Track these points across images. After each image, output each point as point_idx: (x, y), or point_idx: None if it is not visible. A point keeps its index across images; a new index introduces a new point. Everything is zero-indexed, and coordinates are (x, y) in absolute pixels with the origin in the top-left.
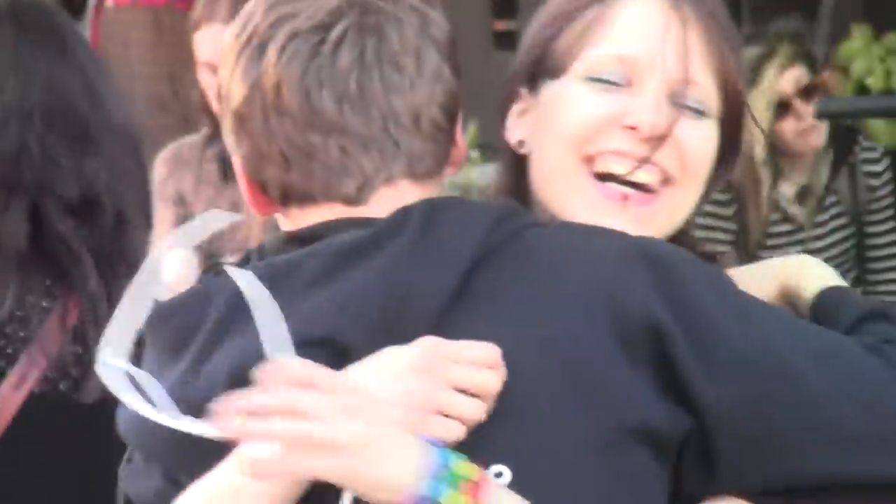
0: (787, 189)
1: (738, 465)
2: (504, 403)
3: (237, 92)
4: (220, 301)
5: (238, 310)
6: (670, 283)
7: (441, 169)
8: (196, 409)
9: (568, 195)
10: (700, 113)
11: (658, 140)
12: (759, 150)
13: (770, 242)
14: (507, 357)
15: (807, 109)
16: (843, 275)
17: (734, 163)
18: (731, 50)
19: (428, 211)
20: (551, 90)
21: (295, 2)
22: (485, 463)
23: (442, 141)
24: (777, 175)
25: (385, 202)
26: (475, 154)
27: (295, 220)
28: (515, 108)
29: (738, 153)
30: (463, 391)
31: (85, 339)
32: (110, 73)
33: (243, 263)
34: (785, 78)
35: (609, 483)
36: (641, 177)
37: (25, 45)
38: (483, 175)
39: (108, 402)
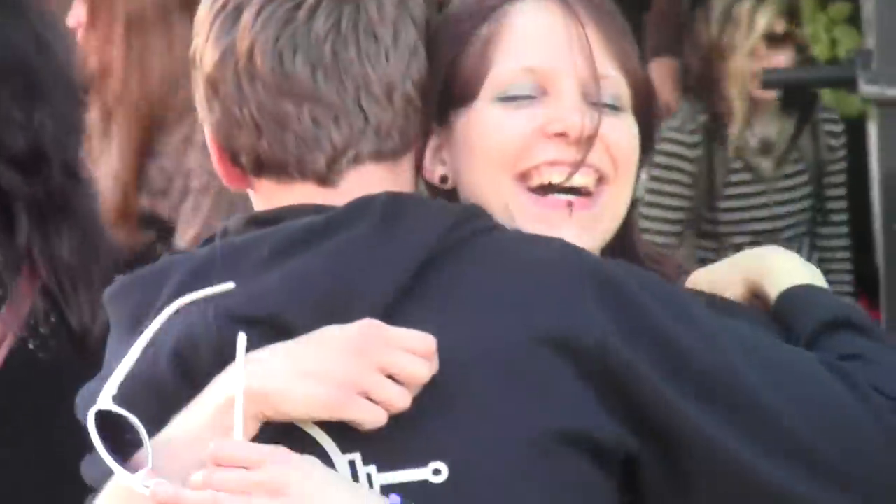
0: (752, 140)
1: (710, 484)
2: (444, 398)
3: (210, 56)
4: (174, 278)
5: (189, 287)
6: (621, 303)
7: (409, 147)
8: (142, 386)
9: (511, 217)
10: (616, 108)
11: (588, 140)
12: (735, 90)
13: (730, 191)
14: (451, 352)
15: (771, 57)
16: (801, 235)
17: (652, 153)
18: (627, 41)
19: (389, 204)
20: (465, 119)
21: None
22: (422, 459)
23: (412, 118)
24: (749, 116)
25: (353, 185)
26: None
27: (267, 197)
28: (430, 146)
29: (655, 143)
30: (393, 378)
31: (52, 296)
32: (62, 25)
33: (208, 242)
34: (759, 22)
35: (552, 485)
36: (579, 180)
37: None
38: None
39: (74, 359)
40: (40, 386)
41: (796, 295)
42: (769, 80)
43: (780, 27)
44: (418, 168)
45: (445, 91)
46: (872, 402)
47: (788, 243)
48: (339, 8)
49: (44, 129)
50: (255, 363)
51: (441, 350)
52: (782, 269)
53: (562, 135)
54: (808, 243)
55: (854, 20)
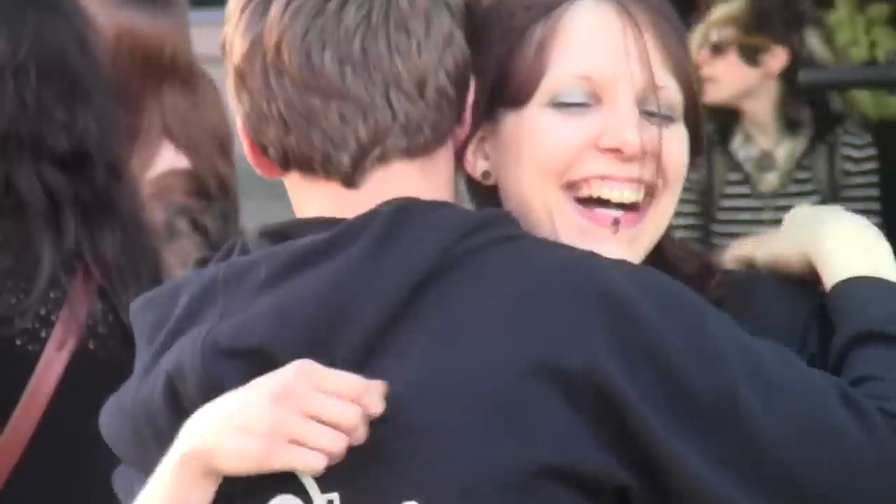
0: (752, 151)
1: None
2: (422, 434)
3: (239, 47)
4: (183, 299)
5: (194, 310)
6: (623, 323)
7: (442, 141)
8: (140, 407)
9: (554, 226)
10: (670, 119)
11: (645, 158)
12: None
13: (727, 204)
14: (432, 383)
15: (709, 63)
16: None
17: (700, 162)
18: (682, 47)
19: (392, 217)
20: (516, 119)
21: None
22: (397, 499)
23: (446, 110)
24: (732, 124)
25: (378, 186)
26: None
27: (295, 190)
28: (475, 139)
29: (703, 151)
30: (323, 422)
31: (107, 297)
32: (94, 24)
33: (224, 256)
34: (701, 32)
35: None
36: (629, 196)
37: (13, 1)
38: None
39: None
40: (102, 386)
41: (844, 294)
42: (807, 80)
43: (719, 36)
44: (459, 159)
45: (496, 87)
46: (877, 434)
47: None
48: (370, 0)
49: (87, 130)
50: (195, 421)
51: (423, 381)
52: (839, 254)
53: (615, 150)
54: None
55: (894, 22)
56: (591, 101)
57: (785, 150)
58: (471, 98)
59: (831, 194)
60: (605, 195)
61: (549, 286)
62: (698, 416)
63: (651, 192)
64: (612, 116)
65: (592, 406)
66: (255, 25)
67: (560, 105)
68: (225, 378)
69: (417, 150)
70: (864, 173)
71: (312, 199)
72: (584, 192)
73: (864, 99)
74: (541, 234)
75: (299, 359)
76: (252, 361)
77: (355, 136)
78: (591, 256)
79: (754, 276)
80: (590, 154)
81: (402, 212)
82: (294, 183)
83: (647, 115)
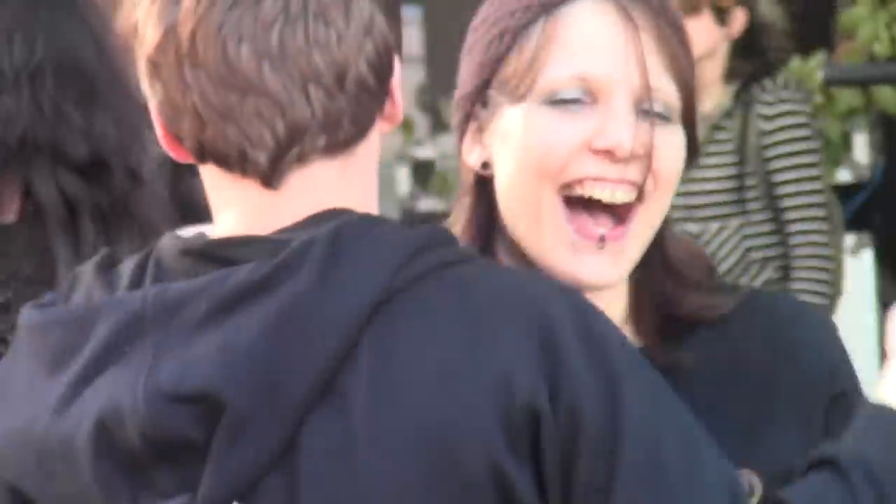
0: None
1: None
2: (359, 482)
3: (151, 36)
4: (102, 328)
5: (118, 342)
6: (555, 365)
7: (363, 134)
8: (61, 444)
9: (541, 231)
10: (666, 119)
11: (639, 159)
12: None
13: None
14: (374, 447)
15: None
16: (721, 218)
17: (695, 162)
18: (683, 47)
19: (330, 244)
20: (513, 115)
21: None
22: None
23: (366, 101)
24: None
25: (298, 187)
26: None
27: (213, 183)
28: (471, 127)
29: (698, 152)
30: None
31: None
32: (113, 27)
33: (138, 274)
34: None
35: None
36: (621, 197)
37: (31, 4)
38: None
39: None
40: None
41: (870, 416)
42: (832, 76)
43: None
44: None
45: (493, 81)
46: None
47: (704, 223)
48: None
49: (105, 135)
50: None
51: (364, 444)
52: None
53: (608, 151)
54: (737, 230)
55: None
56: (586, 99)
57: (716, 105)
58: (395, 83)
59: (744, 154)
60: (596, 195)
61: (490, 321)
62: (592, 454)
63: (641, 195)
64: (607, 117)
65: (528, 448)
66: (169, 14)
67: (556, 102)
68: (172, 424)
69: (338, 146)
70: (777, 131)
71: (230, 197)
72: (577, 191)
73: (884, 95)
74: (528, 238)
75: (249, 402)
76: (200, 406)
77: (272, 134)
78: (530, 287)
79: (785, 301)
80: (584, 154)
81: (338, 238)
82: (211, 174)
83: (644, 114)
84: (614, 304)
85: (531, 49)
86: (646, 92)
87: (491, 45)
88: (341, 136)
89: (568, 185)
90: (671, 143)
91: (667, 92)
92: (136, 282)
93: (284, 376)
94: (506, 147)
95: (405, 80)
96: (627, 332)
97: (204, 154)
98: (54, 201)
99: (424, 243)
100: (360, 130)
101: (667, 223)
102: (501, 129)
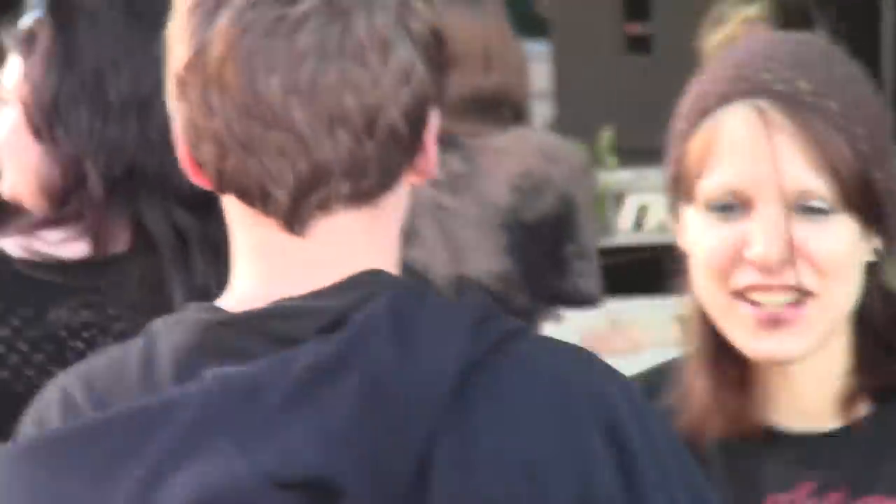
0: None
1: None
2: None
3: (181, 53)
4: (182, 413)
5: (196, 432)
6: (622, 453)
7: (390, 186)
8: None
9: (722, 316)
10: (823, 212)
11: (793, 261)
12: None
13: None
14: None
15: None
16: None
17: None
18: (838, 133)
19: (394, 317)
20: (687, 217)
21: None
22: None
23: (395, 151)
24: None
25: (323, 238)
26: (612, 159)
27: (235, 214)
28: (675, 212)
29: (893, 234)
30: None
31: None
32: None
33: (179, 359)
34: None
35: None
36: (784, 300)
37: (137, 32)
38: (619, 181)
39: None
40: None
41: None
42: None
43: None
44: None
45: (676, 182)
46: None
47: None
48: (327, 25)
49: None
50: None
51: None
52: None
53: (757, 262)
54: None
55: None
56: (740, 206)
57: None
58: (430, 136)
59: None
60: (763, 301)
61: (559, 409)
62: None
63: (808, 293)
64: (754, 227)
65: None
66: (202, 32)
67: (713, 209)
68: None
69: (362, 196)
70: None
71: (253, 237)
72: (748, 297)
73: None
74: (714, 316)
75: (361, 486)
76: (308, 491)
77: (294, 172)
78: (586, 367)
79: None
80: (742, 263)
81: (399, 311)
82: (232, 206)
83: (801, 211)
84: (823, 364)
85: (697, 152)
86: (797, 195)
87: (674, 142)
88: (366, 184)
89: (737, 293)
90: (829, 236)
91: (815, 186)
92: (181, 366)
93: (385, 456)
94: (688, 245)
95: (533, 115)
96: (847, 386)
97: (224, 184)
98: (165, 232)
99: (481, 314)
100: (386, 181)
101: (875, 288)
102: (684, 223)
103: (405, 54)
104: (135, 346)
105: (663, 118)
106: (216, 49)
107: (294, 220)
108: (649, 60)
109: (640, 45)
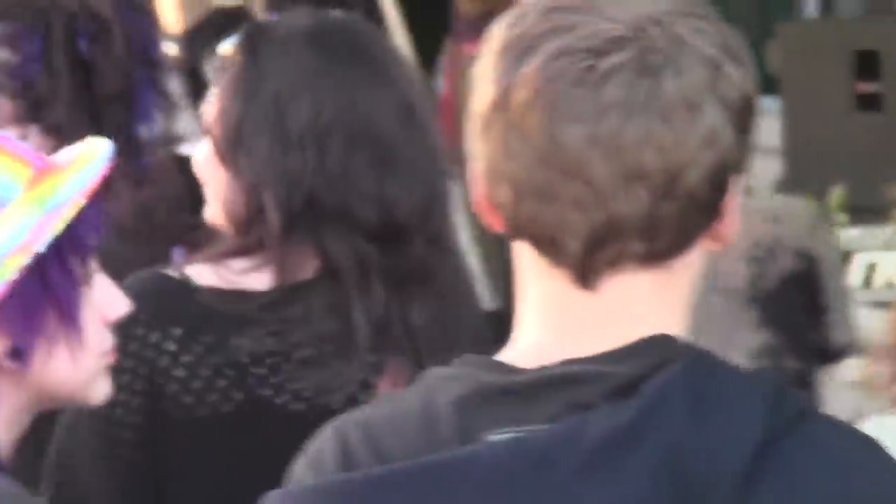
0: None
1: None
2: None
3: (486, 93)
4: (466, 490)
5: (488, 493)
6: None
7: (684, 250)
8: None
9: None
10: None
11: None
12: None
13: None
14: None
15: None
16: None
17: None
18: None
19: (689, 386)
20: None
21: (576, 13)
22: None
23: (693, 214)
24: None
25: (615, 298)
26: (843, 217)
27: (528, 262)
28: None
29: None
30: None
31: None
32: (430, 98)
33: (460, 415)
34: None
35: None
36: None
37: (325, 64)
38: (848, 239)
39: None
40: None
41: None
42: None
43: None
44: None
45: None
46: None
47: None
48: (636, 80)
49: (398, 202)
50: None
51: None
52: None
53: None
54: None
55: None
56: None
57: None
58: (731, 203)
59: None
60: None
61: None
62: None
63: None
64: None
65: None
66: (510, 74)
67: None
68: None
69: (655, 257)
70: None
71: (542, 289)
72: None
73: None
74: None
75: None
76: None
77: (589, 224)
78: (876, 457)
79: None
80: None
81: (693, 380)
82: (524, 252)
83: None
84: None
85: None
86: None
87: None
88: (660, 245)
89: None
90: None
91: None
92: (464, 424)
93: None
94: None
95: (762, 172)
96: None
97: (517, 229)
98: (348, 261)
99: (774, 388)
100: (681, 244)
101: None
102: None
103: (713, 118)
104: (411, 397)
105: (892, 176)
106: (521, 94)
107: (586, 272)
108: (879, 118)
109: (870, 103)
